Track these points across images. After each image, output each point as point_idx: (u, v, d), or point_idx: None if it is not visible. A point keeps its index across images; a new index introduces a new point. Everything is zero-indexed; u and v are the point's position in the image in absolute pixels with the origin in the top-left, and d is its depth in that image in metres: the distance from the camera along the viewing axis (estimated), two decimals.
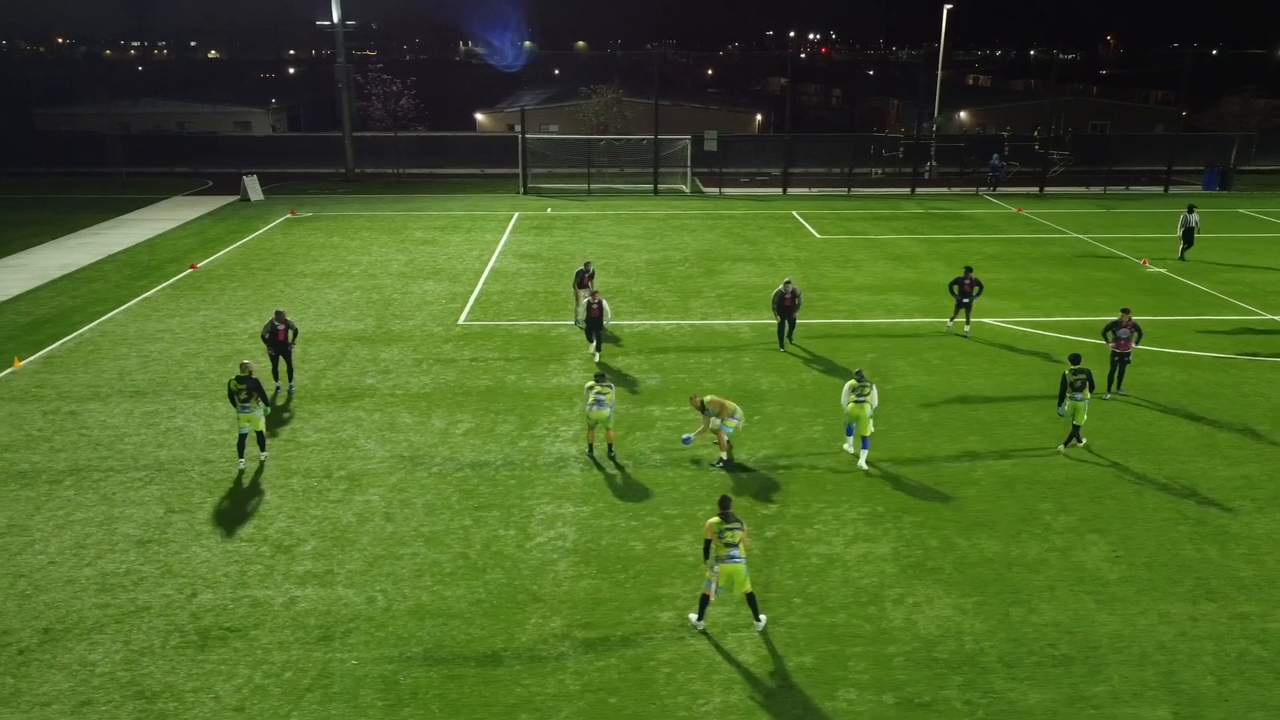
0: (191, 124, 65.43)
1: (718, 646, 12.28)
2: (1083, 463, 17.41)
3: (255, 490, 16.41)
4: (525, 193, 47.88)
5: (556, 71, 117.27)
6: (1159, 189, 49.54)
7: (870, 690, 11.48)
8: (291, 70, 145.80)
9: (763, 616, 12.71)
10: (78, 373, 21.92)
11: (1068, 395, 17.44)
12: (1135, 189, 49.74)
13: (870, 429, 17.13)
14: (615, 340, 24.29)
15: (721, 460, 17.27)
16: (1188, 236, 32.92)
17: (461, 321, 26.04)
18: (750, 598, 12.59)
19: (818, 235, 37.74)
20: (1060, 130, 54.77)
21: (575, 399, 20.17)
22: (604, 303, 22.44)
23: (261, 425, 17.20)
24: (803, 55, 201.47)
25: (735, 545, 12.27)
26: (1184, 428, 18.97)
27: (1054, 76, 65.99)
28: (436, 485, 16.60)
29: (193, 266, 31.84)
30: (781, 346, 23.59)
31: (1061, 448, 17.94)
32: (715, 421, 16.83)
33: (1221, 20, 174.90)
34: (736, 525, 12.32)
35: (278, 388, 20.76)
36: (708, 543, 12.42)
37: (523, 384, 21.38)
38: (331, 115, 53.20)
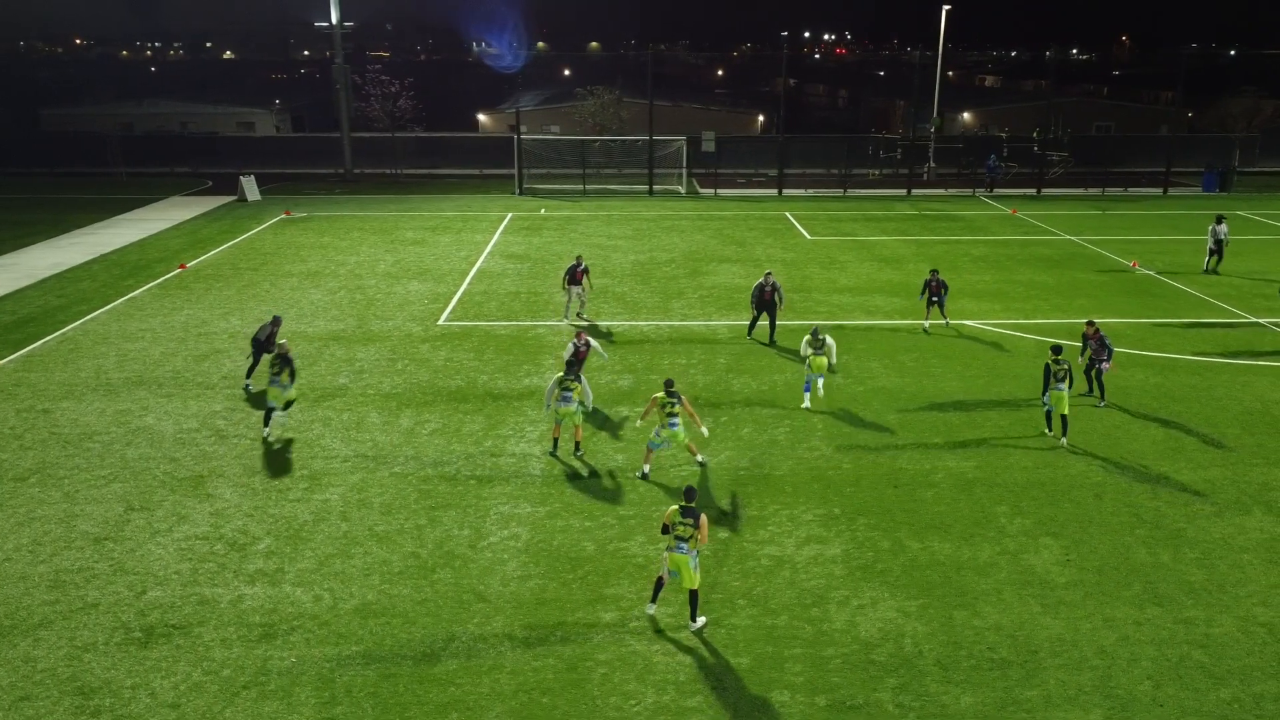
0: (195, 124, 65.94)
1: (657, 647, 12.31)
2: (1044, 466, 17.35)
3: (215, 488, 16.54)
4: (521, 193, 48.01)
5: (567, 72, 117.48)
6: (1158, 190, 49.28)
7: (803, 692, 11.49)
8: (302, 71, 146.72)
9: (701, 618, 12.73)
10: (55, 371, 22.13)
11: (1051, 385, 17.66)
12: (1134, 190, 49.50)
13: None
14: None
15: (642, 473, 17.04)
16: (1219, 249, 31.37)
17: (441, 322, 26.14)
18: (692, 596, 12.66)
19: (808, 236, 37.71)
20: (1059, 131, 54.53)
21: (544, 399, 20.21)
22: (592, 343, 19.84)
23: (282, 401, 18.26)
24: (816, 55, 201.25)
25: (685, 540, 12.42)
26: (1152, 431, 18.89)
27: (1052, 76, 65.71)
28: (396, 485, 16.69)
29: (181, 266, 32.08)
30: (749, 334, 24.45)
31: (1063, 440, 18.03)
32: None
33: (1232, 20, 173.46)
34: (691, 521, 12.41)
35: (247, 385, 20.92)
36: (666, 525, 12.61)
37: (494, 384, 21.46)
38: (333, 116, 53.40)
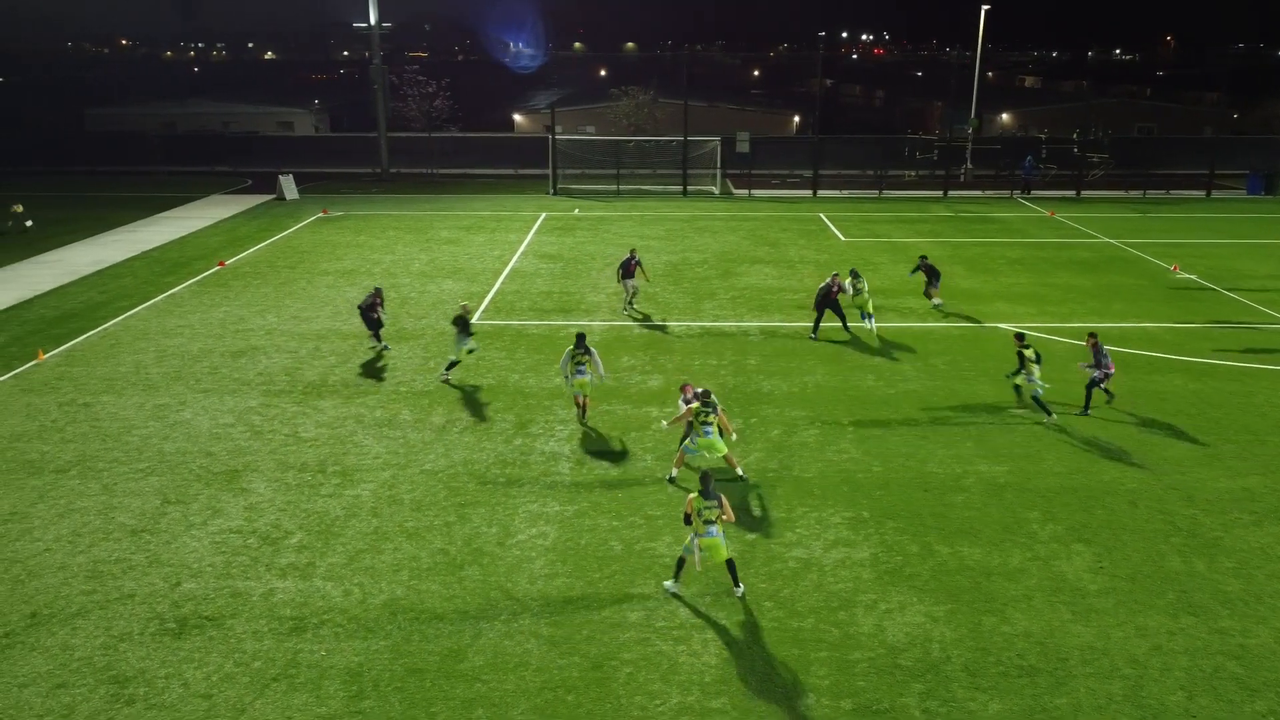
0: (235, 124, 66.80)
1: (682, 648, 12.33)
2: (1077, 472, 17.14)
3: (249, 483, 16.78)
4: (555, 193, 48.19)
5: (603, 72, 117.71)
6: (1201, 193, 48.44)
7: (828, 695, 11.46)
8: (341, 71, 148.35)
9: (741, 585, 13.31)
10: (97, 366, 22.57)
11: (1021, 370, 19.34)
12: (1176, 193, 48.67)
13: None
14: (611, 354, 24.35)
15: (670, 476, 16.98)
16: None
17: (474, 321, 26.27)
18: (730, 564, 13.24)
19: (842, 238, 37.49)
20: (1099, 133, 53.76)
21: (560, 370, 20.62)
22: (592, 353, 18.97)
23: (463, 356, 21.58)
24: (854, 56, 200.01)
25: (713, 523, 12.89)
26: (1188, 437, 18.59)
27: (1093, 77, 64.78)
28: (426, 482, 16.84)
29: (220, 264, 32.56)
30: (813, 336, 24.95)
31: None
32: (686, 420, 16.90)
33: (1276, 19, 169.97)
34: (714, 503, 12.89)
35: (384, 345, 23.82)
36: (687, 515, 13.00)
37: (525, 383, 21.58)
38: (371, 116, 53.91)
